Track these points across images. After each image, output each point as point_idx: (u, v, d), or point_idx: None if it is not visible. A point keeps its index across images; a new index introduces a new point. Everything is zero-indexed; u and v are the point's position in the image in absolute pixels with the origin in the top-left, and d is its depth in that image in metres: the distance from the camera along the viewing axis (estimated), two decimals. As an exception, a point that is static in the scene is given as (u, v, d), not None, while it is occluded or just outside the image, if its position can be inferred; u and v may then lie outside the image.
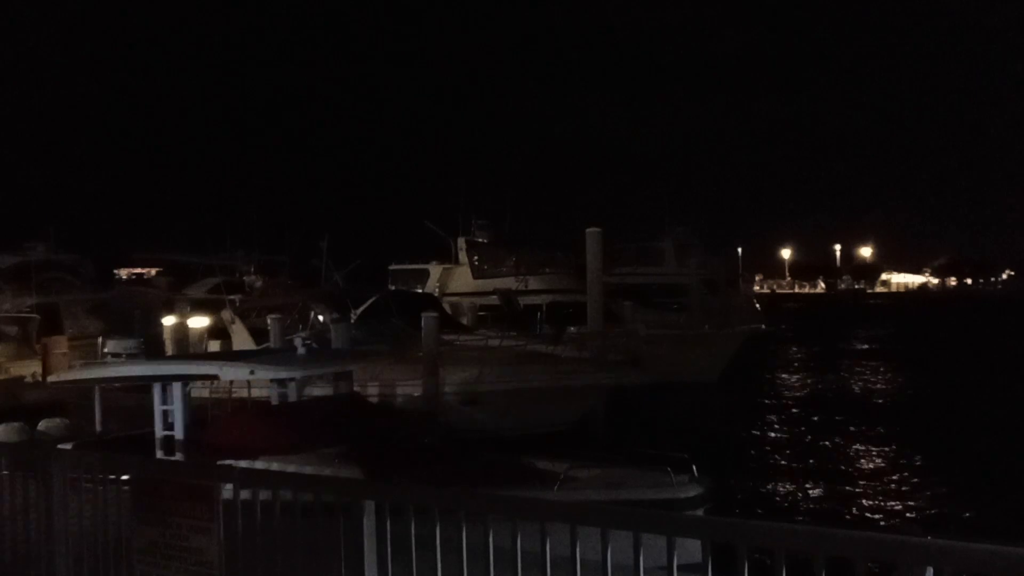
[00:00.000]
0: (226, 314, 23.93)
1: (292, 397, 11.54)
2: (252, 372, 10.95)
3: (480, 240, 36.92)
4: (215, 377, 11.24)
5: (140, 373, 11.62)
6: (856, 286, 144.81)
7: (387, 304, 23.69)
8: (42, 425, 12.92)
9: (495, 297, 32.52)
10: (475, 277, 35.41)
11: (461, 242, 36.27)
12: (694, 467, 9.29)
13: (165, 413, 10.33)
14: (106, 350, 22.61)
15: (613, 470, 9.65)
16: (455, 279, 35.62)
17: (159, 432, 10.19)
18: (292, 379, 11.31)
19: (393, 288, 35.22)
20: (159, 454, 9.97)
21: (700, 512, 8.88)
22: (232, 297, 27.48)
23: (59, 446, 10.66)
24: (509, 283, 33.88)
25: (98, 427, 11.63)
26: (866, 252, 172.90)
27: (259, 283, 36.66)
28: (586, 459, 10.16)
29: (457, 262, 36.26)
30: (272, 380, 11.29)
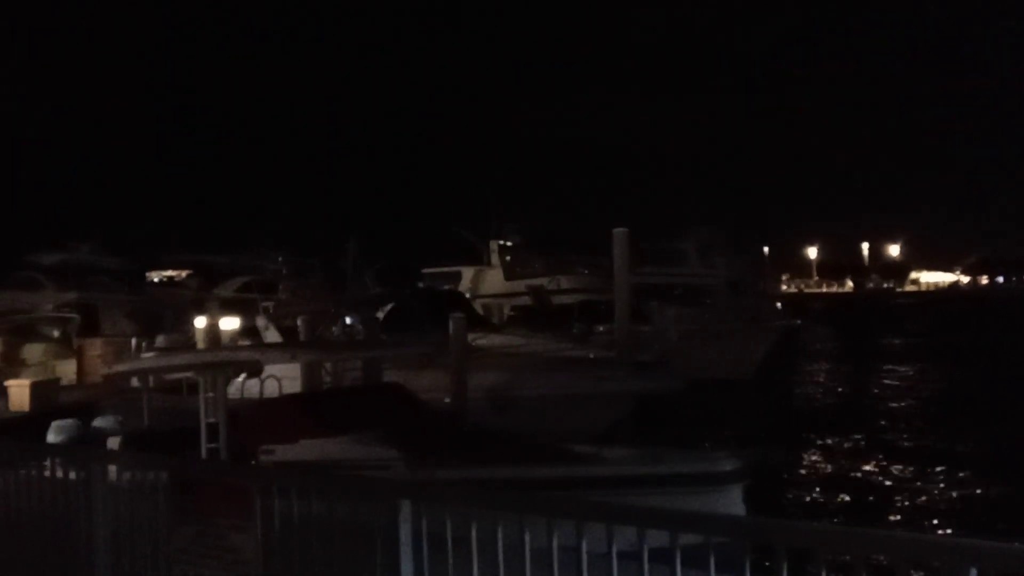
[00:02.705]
0: (260, 321, 24.27)
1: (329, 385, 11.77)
2: (293, 356, 11.23)
3: (512, 241, 37.22)
4: (257, 363, 11.49)
5: (188, 362, 11.89)
6: (885, 285, 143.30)
7: (413, 304, 23.84)
8: (96, 422, 13.16)
9: (526, 298, 32.68)
10: (507, 278, 35.69)
11: (494, 245, 36.60)
12: (731, 442, 9.31)
13: (210, 400, 10.44)
14: (156, 345, 23.17)
15: (650, 448, 9.68)
16: (487, 280, 35.89)
17: (204, 419, 10.31)
18: (330, 361, 11.54)
19: (420, 286, 35.49)
20: (204, 440, 10.07)
21: (739, 487, 8.85)
22: (266, 304, 27.86)
23: (109, 438, 10.91)
24: (541, 283, 34.09)
25: (146, 420, 11.88)
26: (895, 251, 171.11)
27: (290, 287, 36.97)
28: (617, 442, 10.21)
29: (489, 264, 36.52)
30: (307, 369, 11.51)
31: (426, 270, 39.15)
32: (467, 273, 36.62)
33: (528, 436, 12.82)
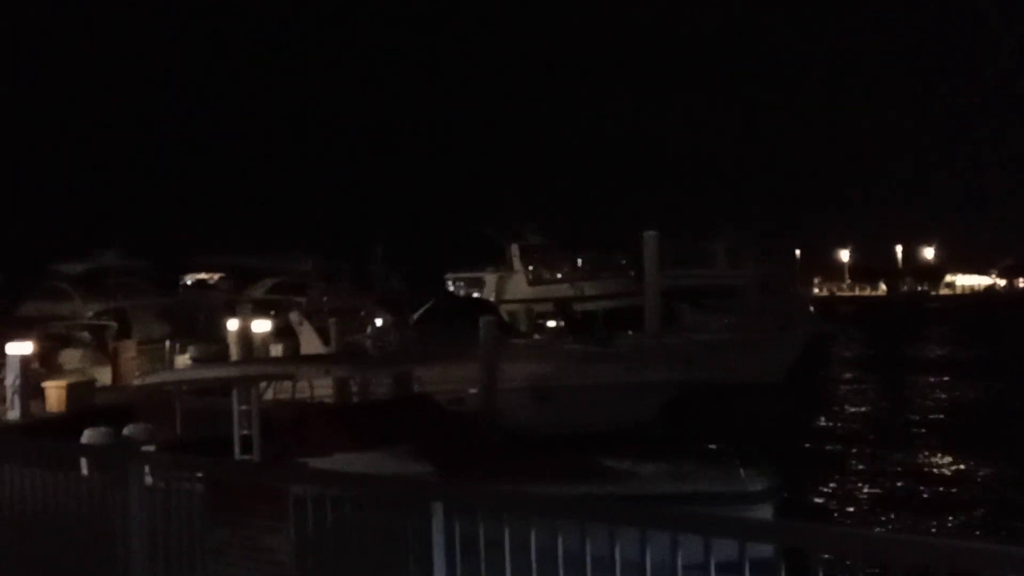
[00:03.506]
0: (294, 316, 24.52)
1: (359, 396, 11.84)
2: (327, 372, 11.32)
3: (533, 243, 36.99)
4: (291, 377, 11.61)
5: (222, 375, 11.99)
6: (919, 288, 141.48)
7: (444, 309, 23.96)
8: (127, 430, 13.30)
9: (550, 304, 32.63)
10: (530, 284, 35.55)
11: (515, 248, 36.39)
12: (760, 462, 9.26)
13: (243, 413, 10.57)
14: (188, 355, 23.39)
15: (681, 465, 9.65)
16: (511, 286, 35.80)
17: (237, 432, 10.45)
18: (364, 376, 11.62)
19: (450, 291, 35.59)
20: (237, 453, 10.23)
21: (769, 505, 8.82)
22: (299, 299, 28.08)
23: (143, 447, 11.03)
24: (565, 290, 33.96)
25: (178, 430, 12.00)
26: (929, 253, 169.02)
27: (320, 288, 37.23)
28: (653, 455, 10.19)
29: (511, 268, 36.41)
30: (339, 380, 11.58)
31: (449, 275, 39.11)
32: (490, 279, 36.54)
33: (561, 443, 12.83)
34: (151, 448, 10.89)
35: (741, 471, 9.05)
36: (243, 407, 10.61)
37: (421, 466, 9.36)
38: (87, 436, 12.53)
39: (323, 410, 12.73)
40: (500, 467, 9.49)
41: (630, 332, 26.05)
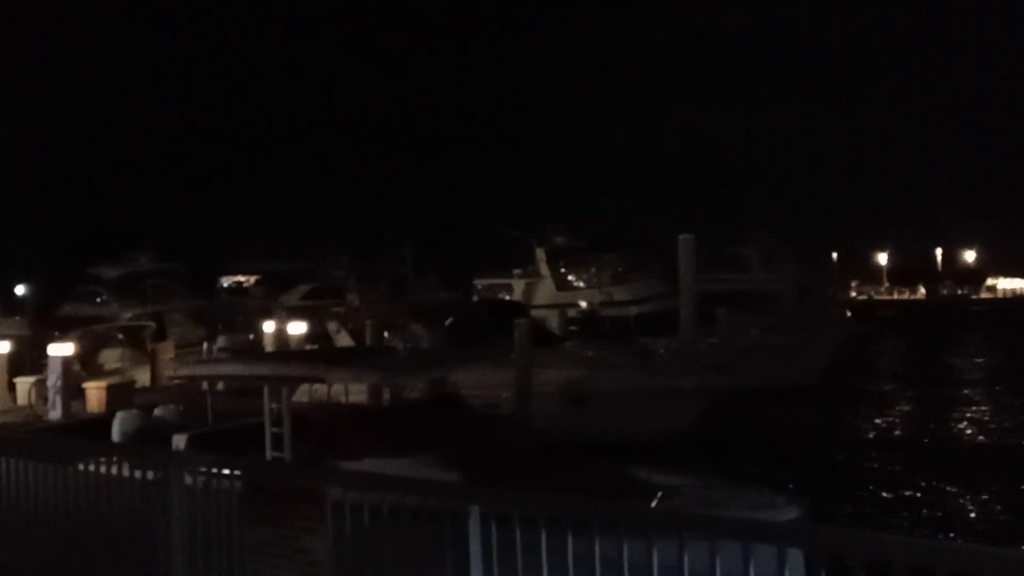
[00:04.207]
0: (332, 325, 24.72)
1: (392, 399, 11.85)
2: (359, 376, 11.29)
3: (560, 246, 36.76)
4: (322, 380, 11.61)
5: (253, 373, 12.05)
6: (959, 292, 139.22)
7: (478, 312, 24.03)
8: (157, 411, 13.52)
9: (579, 309, 32.50)
10: (558, 289, 35.37)
11: (541, 252, 36.17)
12: (790, 487, 9.18)
13: (273, 411, 10.56)
14: (217, 345, 23.76)
15: (711, 488, 9.59)
16: (539, 291, 35.61)
17: (269, 430, 10.44)
18: (396, 382, 11.61)
19: (482, 293, 35.64)
20: (268, 448, 10.21)
21: None
22: (337, 309, 28.34)
23: (175, 435, 11.17)
24: (594, 295, 33.76)
25: (210, 420, 12.12)
26: (970, 256, 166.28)
27: (356, 293, 37.50)
28: (684, 473, 10.11)
29: (539, 274, 36.24)
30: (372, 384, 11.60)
31: (478, 280, 39.08)
32: (518, 284, 36.43)
33: (593, 450, 12.77)
34: (185, 437, 11.02)
35: (771, 499, 9.01)
36: (274, 405, 10.59)
37: (450, 475, 9.35)
38: (119, 418, 12.76)
39: (355, 412, 12.75)
40: (530, 477, 9.46)
41: (665, 339, 25.90)
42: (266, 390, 10.71)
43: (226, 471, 5.74)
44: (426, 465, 9.64)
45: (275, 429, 10.38)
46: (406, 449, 10.01)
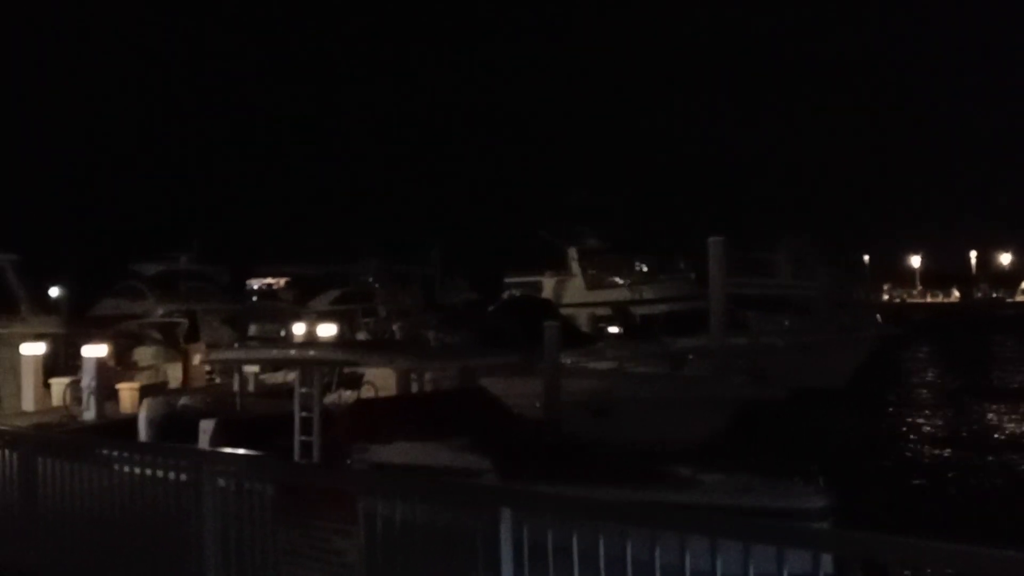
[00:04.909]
0: (361, 336, 24.86)
1: (421, 389, 11.87)
2: (391, 361, 11.31)
3: (592, 248, 36.90)
4: (355, 363, 11.62)
5: (289, 356, 12.09)
6: (994, 295, 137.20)
7: (506, 312, 24.06)
8: (183, 400, 13.63)
9: (608, 308, 32.49)
10: (588, 288, 35.42)
11: (573, 252, 36.33)
12: (821, 479, 9.11)
13: (305, 396, 10.53)
14: (249, 334, 23.98)
15: (738, 476, 9.55)
16: (569, 290, 35.71)
17: (298, 413, 10.41)
18: (425, 368, 11.63)
19: (511, 294, 35.67)
20: (297, 432, 10.17)
21: (828, 524, 8.70)
22: (366, 320, 28.54)
23: (202, 421, 11.22)
24: (623, 293, 33.79)
25: (238, 407, 12.18)
26: (1005, 259, 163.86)
27: (385, 296, 37.66)
28: (711, 465, 10.06)
29: (570, 272, 36.35)
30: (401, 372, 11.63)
31: (508, 279, 39.22)
32: (548, 283, 36.51)
33: (619, 448, 12.72)
34: (212, 423, 11.05)
35: (799, 487, 8.94)
36: (304, 389, 10.49)
37: (479, 458, 9.29)
38: (146, 405, 12.88)
39: (381, 399, 12.76)
40: (560, 466, 9.42)
41: (694, 338, 25.79)
42: (297, 373, 10.69)
43: (258, 473, 5.78)
44: (456, 450, 9.61)
45: (304, 414, 10.32)
46: (436, 434, 9.97)
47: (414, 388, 12.59)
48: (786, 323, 30.60)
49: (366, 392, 14.65)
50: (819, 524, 8.66)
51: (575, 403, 17.70)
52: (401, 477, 6.32)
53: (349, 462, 9.90)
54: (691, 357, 23.79)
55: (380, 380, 14.29)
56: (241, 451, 6.81)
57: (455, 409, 11.09)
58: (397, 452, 9.71)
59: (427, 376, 12.90)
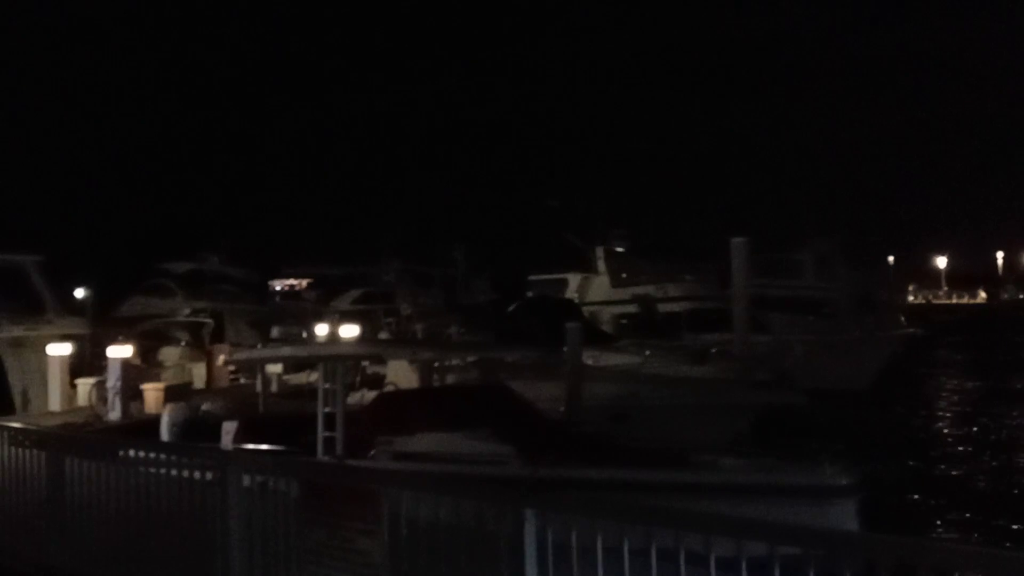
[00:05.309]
0: (383, 336, 24.95)
1: (442, 382, 11.93)
2: (414, 353, 11.37)
3: (618, 249, 37.02)
4: (378, 356, 11.67)
5: (312, 353, 12.15)
6: (1020, 296, 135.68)
7: (528, 313, 24.06)
8: (206, 405, 13.72)
9: (634, 306, 32.47)
10: (613, 285, 35.47)
11: (600, 251, 36.41)
12: (846, 459, 9.10)
13: (328, 392, 10.54)
14: (272, 336, 24.22)
15: (764, 458, 9.50)
16: (594, 288, 35.74)
17: (321, 407, 10.42)
18: (448, 361, 11.67)
19: (532, 295, 35.69)
20: (320, 428, 10.21)
21: (852, 502, 8.66)
22: (388, 320, 28.69)
23: (225, 422, 11.29)
24: (648, 290, 33.81)
25: (261, 407, 12.23)
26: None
27: (407, 297, 37.81)
28: (734, 452, 10.04)
29: (596, 271, 36.40)
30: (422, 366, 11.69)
31: (532, 277, 39.30)
32: (573, 280, 36.55)
33: (640, 441, 12.71)
34: (235, 423, 11.10)
35: (825, 466, 8.87)
36: (327, 385, 10.49)
37: (505, 448, 9.28)
38: (169, 409, 12.97)
39: (404, 392, 12.81)
40: (579, 452, 9.40)
41: (716, 335, 25.68)
42: (320, 369, 10.71)
43: (283, 472, 5.80)
44: (479, 438, 9.60)
45: (328, 409, 10.34)
46: (459, 425, 9.97)
47: (437, 379, 12.63)
48: (810, 324, 30.42)
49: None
50: (844, 501, 8.60)
51: (594, 408, 17.67)
52: (426, 477, 6.31)
53: (373, 453, 9.88)
54: (713, 351, 23.67)
55: (402, 379, 14.33)
56: (264, 446, 6.84)
57: (478, 401, 11.12)
58: (421, 442, 9.70)
59: (448, 377, 12.93)
